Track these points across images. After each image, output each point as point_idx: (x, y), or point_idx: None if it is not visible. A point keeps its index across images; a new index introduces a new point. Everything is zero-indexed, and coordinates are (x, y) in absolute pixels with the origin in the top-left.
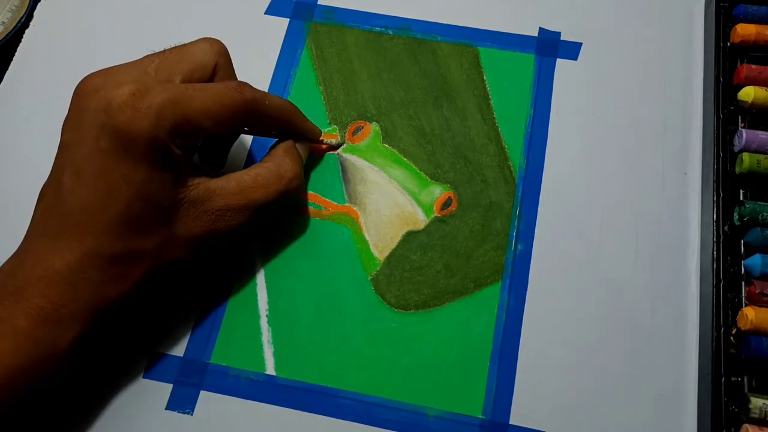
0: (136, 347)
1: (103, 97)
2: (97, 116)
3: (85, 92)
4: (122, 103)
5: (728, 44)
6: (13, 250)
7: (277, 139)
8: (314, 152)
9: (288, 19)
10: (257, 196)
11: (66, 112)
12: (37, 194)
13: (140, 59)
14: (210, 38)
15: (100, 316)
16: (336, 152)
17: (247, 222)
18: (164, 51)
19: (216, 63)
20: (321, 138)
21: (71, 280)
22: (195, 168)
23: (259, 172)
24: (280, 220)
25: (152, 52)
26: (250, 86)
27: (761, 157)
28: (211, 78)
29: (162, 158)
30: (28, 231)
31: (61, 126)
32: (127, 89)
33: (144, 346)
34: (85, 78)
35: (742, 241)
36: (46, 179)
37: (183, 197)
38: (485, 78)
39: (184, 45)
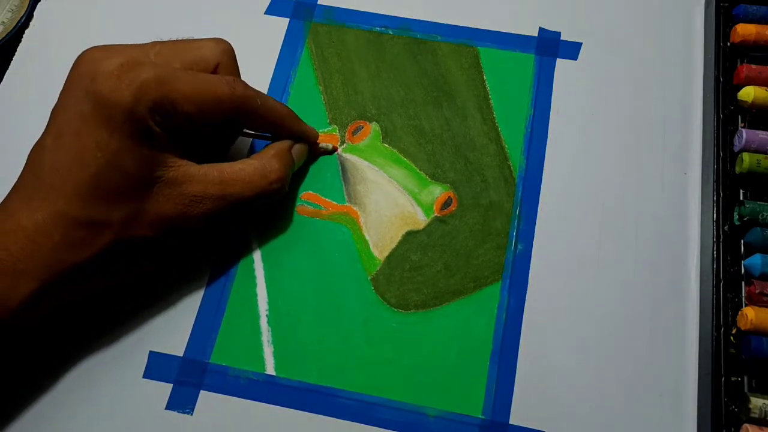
0: (136, 347)
1: (95, 65)
2: (84, 82)
3: (82, 61)
4: (109, 72)
5: (728, 44)
6: None
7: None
8: (313, 152)
9: (288, 19)
10: (236, 189)
11: None
12: None
13: (147, 43)
14: (219, 38)
15: (58, 280)
16: (336, 152)
17: (221, 213)
18: (170, 40)
19: (219, 61)
20: (318, 141)
21: (35, 238)
22: (180, 154)
23: (243, 167)
24: (272, 218)
25: (159, 39)
26: (246, 84)
27: (761, 157)
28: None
29: (139, 132)
30: (11, 188)
31: None
32: (117, 61)
33: (144, 346)
34: (87, 49)
35: (742, 241)
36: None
37: (159, 176)
38: (485, 78)
39: (192, 39)
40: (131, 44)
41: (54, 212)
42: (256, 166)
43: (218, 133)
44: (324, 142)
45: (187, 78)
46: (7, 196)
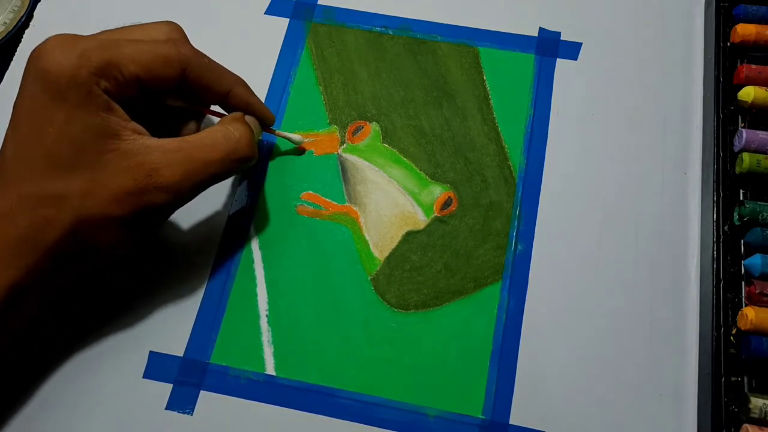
0: (136, 347)
1: (40, 48)
2: (31, 66)
3: (32, 53)
4: (51, 48)
5: (728, 44)
6: None
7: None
8: (312, 151)
9: (288, 19)
10: (201, 154)
11: None
12: None
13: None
14: (170, 21)
15: (33, 267)
16: (336, 152)
17: (186, 183)
18: (120, 27)
19: (169, 39)
20: (277, 130)
21: (2, 226)
22: (138, 130)
23: (205, 133)
24: (272, 218)
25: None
26: (193, 47)
27: (761, 157)
28: None
29: (85, 99)
30: None
31: None
32: (60, 37)
33: (144, 346)
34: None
35: (742, 241)
36: None
37: (114, 147)
38: (485, 78)
39: (143, 23)
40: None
41: (17, 196)
42: (218, 129)
43: (176, 110)
44: (287, 134)
45: (130, 43)
46: None
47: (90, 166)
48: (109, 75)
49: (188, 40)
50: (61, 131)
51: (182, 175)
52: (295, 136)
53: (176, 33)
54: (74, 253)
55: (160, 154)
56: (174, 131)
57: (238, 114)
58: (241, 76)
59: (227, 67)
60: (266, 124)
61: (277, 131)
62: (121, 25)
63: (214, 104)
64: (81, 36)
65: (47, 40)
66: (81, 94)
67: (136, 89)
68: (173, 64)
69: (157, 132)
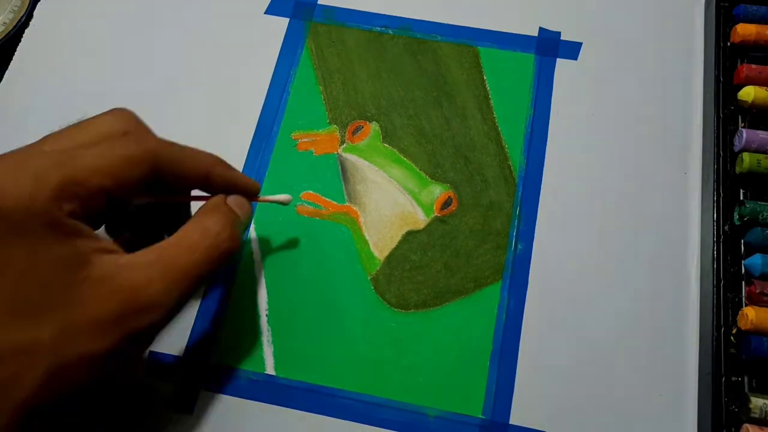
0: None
1: None
2: None
3: None
4: None
5: (728, 44)
6: None
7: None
8: (312, 151)
9: (288, 19)
10: (182, 260)
11: (65, 113)
12: None
13: (38, 140)
14: (118, 108)
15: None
16: (336, 152)
17: (169, 298)
18: (65, 127)
19: (125, 131)
20: (262, 197)
21: None
22: (108, 246)
23: (180, 235)
24: (272, 218)
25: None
26: (157, 137)
27: (761, 157)
28: None
29: (49, 231)
30: None
31: (60, 126)
32: (4, 165)
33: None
34: None
35: (742, 241)
36: None
37: (84, 276)
38: (485, 78)
39: (88, 118)
40: (24, 146)
41: None
42: (194, 227)
43: (151, 212)
44: (272, 197)
45: (87, 152)
46: None
47: (60, 304)
48: (71, 195)
49: (146, 127)
50: (23, 272)
51: (164, 290)
52: (282, 197)
53: (131, 123)
54: (51, 404)
55: (136, 272)
56: (152, 222)
57: (216, 200)
58: (215, 154)
59: (227, 67)
60: (252, 195)
61: (262, 198)
62: (121, 24)
63: (192, 189)
64: (23, 151)
65: None
66: (42, 225)
67: (103, 201)
68: (140, 163)
69: (135, 229)
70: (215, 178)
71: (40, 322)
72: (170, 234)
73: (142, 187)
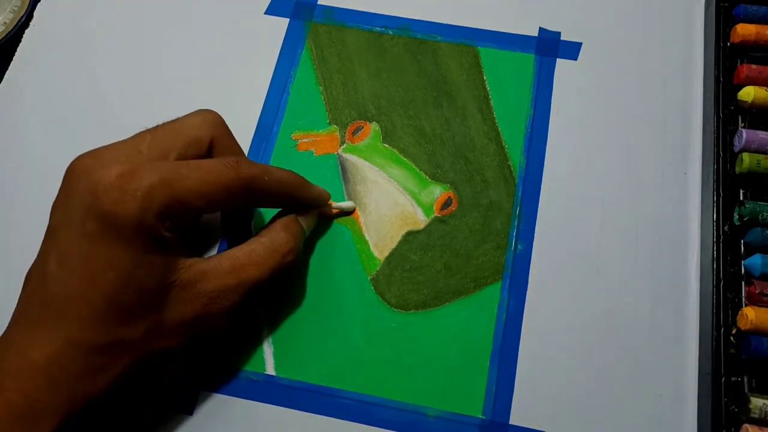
0: None
1: (91, 178)
2: (83, 198)
3: (74, 174)
4: (109, 185)
5: (728, 44)
6: (13, 248)
7: (279, 209)
8: (312, 151)
9: (288, 19)
10: (251, 274)
11: (65, 113)
12: (36, 192)
13: (133, 137)
14: (205, 110)
15: (80, 410)
16: (336, 152)
17: (240, 302)
18: (157, 127)
19: (212, 136)
20: (331, 204)
21: (49, 372)
22: (186, 248)
23: (253, 248)
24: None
25: (145, 129)
26: (248, 161)
27: (761, 157)
28: (208, 152)
29: (150, 242)
30: (11, 318)
31: (60, 126)
32: (114, 170)
33: None
34: (75, 159)
35: (742, 241)
36: (33, 263)
37: (173, 281)
38: (485, 78)
39: (178, 119)
40: (119, 143)
41: (68, 341)
42: (265, 244)
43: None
44: (338, 204)
45: (190, 173)
46: (8, 329)
47: (153, 308)
48: (174, 214)
49: (229, 130)
50: (124, 277)
51: (237, 298)
52: (347, 205)
53: (218, 129)
54: (125, 390)
55: (216, 280)
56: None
57: (287, 220)
58: (296, 173)
59: (227, 67)
60: (322, 205)
61: (334, 205)
62: (121, 24)
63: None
64: (135, 163)
65: (98, 167)
66: (146, 238)
67: (195, 219)
68: (236, 191)
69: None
70: (296, 200)
71: (135, 321)
72: (227, 232)
73: (230, 209)
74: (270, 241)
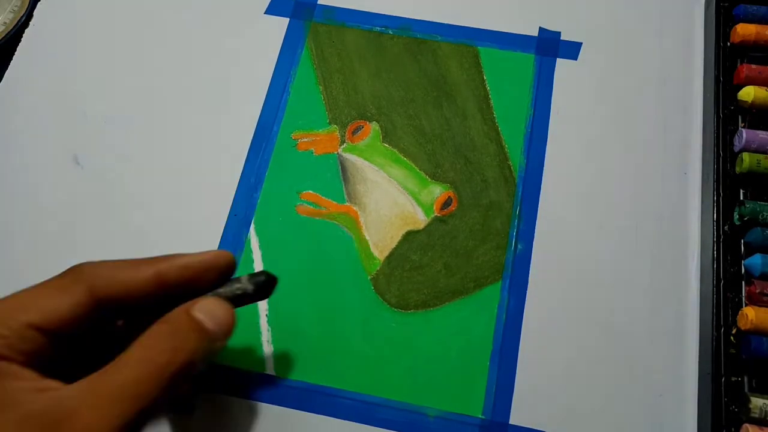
0: None
1: None
2: None
3: None
4: None
5: (728, 44)
6: (13, 248)
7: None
8: (312, 151)
9: (288, 19)
10: (113, 381)
11: (65, 113)
12: (35, 192)
13: None
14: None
15: None
16: (336, 152)
17: (113, 418)
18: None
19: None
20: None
21: None
22: (36, 380)
23: (122, 354)
24: (272, 217)
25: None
26: (90, 263)
27: (761, 157)
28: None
29: None
30: None
31: (60, 126)
32: None
33: None
34: None
35: (742, 241)
36: None
37: (12, 417)
38: (485, 78)
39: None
40: None
41: None
42: (136, 342)
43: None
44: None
45: (10, 295)
46: None
47: None
48: None
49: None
50: None
51: (97, 416)
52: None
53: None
54: None
55: (67, 402)
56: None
57: (172, 313)
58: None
59: (227, 67)
60: (226, 271)
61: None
62: (121, 24)
63: (161, 299)
64: None
65: None
66: None
67: (39, 337)
68: (68, 289)
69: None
70: (169, 277)
71: None
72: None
73: (87, 313)
74: (143, 336)
